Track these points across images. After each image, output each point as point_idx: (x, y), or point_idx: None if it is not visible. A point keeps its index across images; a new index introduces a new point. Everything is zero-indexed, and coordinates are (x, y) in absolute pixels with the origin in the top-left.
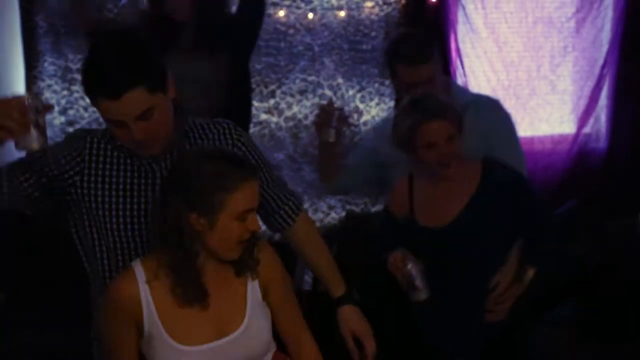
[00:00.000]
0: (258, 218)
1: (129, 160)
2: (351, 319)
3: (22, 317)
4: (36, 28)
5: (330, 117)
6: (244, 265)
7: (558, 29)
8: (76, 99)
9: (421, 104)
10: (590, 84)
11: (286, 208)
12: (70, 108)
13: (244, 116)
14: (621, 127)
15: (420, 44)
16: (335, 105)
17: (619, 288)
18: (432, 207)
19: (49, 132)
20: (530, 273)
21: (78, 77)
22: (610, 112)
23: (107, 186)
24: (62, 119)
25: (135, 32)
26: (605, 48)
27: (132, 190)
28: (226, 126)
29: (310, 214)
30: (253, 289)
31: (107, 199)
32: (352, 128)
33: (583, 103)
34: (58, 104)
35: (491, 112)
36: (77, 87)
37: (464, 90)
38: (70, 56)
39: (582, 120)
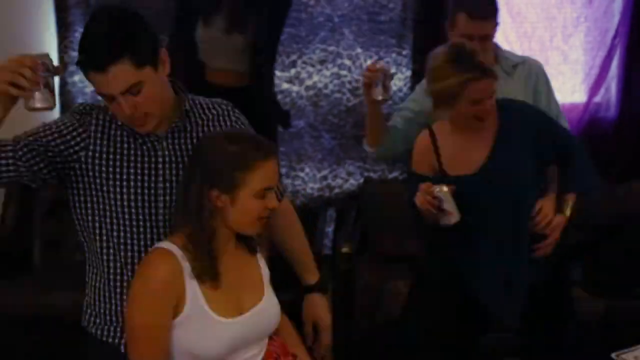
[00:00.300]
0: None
1: (131, 139)
2: (316, 307)
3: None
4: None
5: (377, 75)
6: (257, 242)
7: (571, 0)
8: None
9: (468, 60)
10: (602, 54)
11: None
12: None
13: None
14: (631, 97)
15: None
16: (378, 66)
17: (625, 249)
18: (460, 157)
19: (80, 100)
20: (570, 201)
21: None
22: (620, 82)
23: (110, 163)
24: (91, 88)
25: (128, 8)
26: (616, 19)
27: (136, 169)
28: (225, 107)
29: (329, 180)
30: (264, 265)
31: (111, 175)
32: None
33: (594, 73)
34: None
35: (538, 71)
36: None
37: (510, 51)
38: None
39: (593, 90)
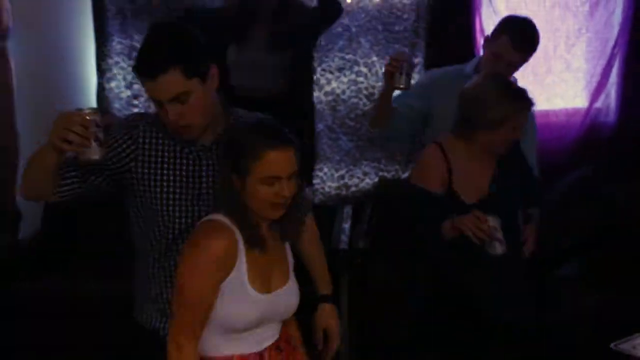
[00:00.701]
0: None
1: (178, 148)
2: (328, 316)
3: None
4: (105, 11)
5: (402, 64)
6: (289, 230)
7: (573, 13)
8: None
9: (519, 91)
10: (602, 62)
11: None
12: (135, 83)
13: (307, 100)
14: (629, 103)
15: (531, 34)
16: (404, 56)
17: (621, 247)
18: (468, 179)
19: (116, 105)
20: (536, 213)
21: None
22: (619, 89)
23: (158, 171)
24: (128, 92)
25: (186, 24)
26: (616, 30)
27: (181, 176)
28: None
29: (346, 179)
30: (290, 253)
31: (158, 183)
32: None
33: (595, 80)
34: (124, 79)
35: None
36: None
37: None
38: (136, 36)
39: (594, 96)
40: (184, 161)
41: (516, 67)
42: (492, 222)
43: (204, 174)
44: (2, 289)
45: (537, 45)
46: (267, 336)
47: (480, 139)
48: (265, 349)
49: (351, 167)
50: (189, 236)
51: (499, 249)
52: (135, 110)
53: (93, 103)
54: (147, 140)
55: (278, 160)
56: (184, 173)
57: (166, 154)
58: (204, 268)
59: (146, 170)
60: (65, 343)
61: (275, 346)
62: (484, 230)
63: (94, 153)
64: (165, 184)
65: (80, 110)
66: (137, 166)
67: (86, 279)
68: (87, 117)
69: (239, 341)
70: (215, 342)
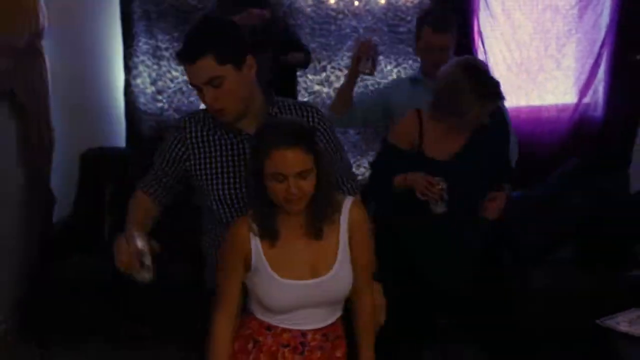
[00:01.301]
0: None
1: (224, 137)
2: (375, 291)
3: None
4: (132, 14)
5: (369, 50)
6: (321, 222)
7: (563, 15)
8: (164, 72)
9: (490, 86)
10: (590, 61)
11: (344, 189)
12: (159, 80)
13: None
14: (616, 99)
15: (445, 16)
16: (372, 43)
17: (609, 231)
18: (439, 144)
19: (142, 99)
20: (508, 187)
21: (166, 54)
22: (606, 86)
23: (208, 160)
24: (153, 88)
25: (228, 18)
26: (603, 31)
27: (228, 162)
28: (310, 109)
29: (354, 168)
30: (343, 239)
31: (212, 171)
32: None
33: (584, 78)
34: (149, 76)
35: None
36: (165, 63)
37: None
38: (160, 37)
39: (583, 92)
40: (230, 150)
41: (447, 50)
42: (442, 184)
43: (249, 157)
44: (40, 264)
45: (454, 24)
46: (312, 320)
47: (448, 121)
48: (310, 331)
49: (358, 157)
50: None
51: (440, 208)
52: (159, 104)
53: (121, 98)
54: (195, 139)
55: (283, 159)
56: (230, 160)
57: (213, 145)
58: (222, 249)
59: (200, 163)
60: (92, 310)
61: (323, 333)
62: (434, 192)
63: (141, 277)
64: (214, 171)
65: (132, 236)
66: (191, 164)
67: (111, 257)
68: (138, 247)
69: (283, 319)
70: (263, 311)
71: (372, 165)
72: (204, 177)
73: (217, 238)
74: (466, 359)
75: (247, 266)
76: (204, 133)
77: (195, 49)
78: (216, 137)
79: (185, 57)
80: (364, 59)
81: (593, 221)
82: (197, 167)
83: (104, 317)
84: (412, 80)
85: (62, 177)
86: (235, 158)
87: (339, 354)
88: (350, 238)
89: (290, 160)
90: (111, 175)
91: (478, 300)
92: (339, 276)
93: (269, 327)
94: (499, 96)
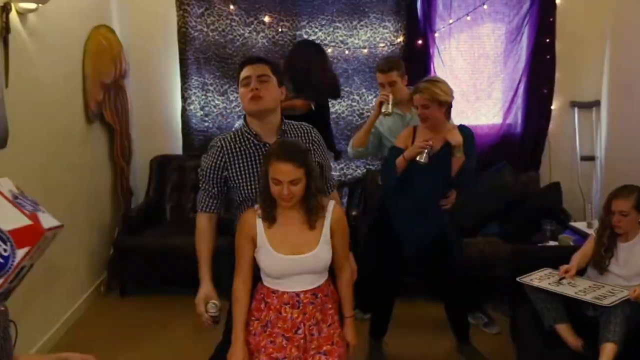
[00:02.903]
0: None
1: (252, 147)
2: (350, 259)
3: None
4: (187, 59)
5: (388, 97)
6: (311, 216)
7: (492, 61)
8: (209, 101)
9: (415, 90)
10: (511, 93)
11: (329, 184)
12: (206, 106)
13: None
14: (529, 120)
15: (388, 60)
16: (389, 94)
17: (525, 213)
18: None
19: (193, 120)
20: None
21: (211, 88)
22: (523, 111)
23: (241, 166)
24: (201, 112)
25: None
26: (520, 72)
27: (256, 164)
28: (307, 128)
29: (345, 170)
30: (325, 231)
31: (243, 172)
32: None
33: (507, 105)
34: (199, 103)
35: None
36: (210, 94)
37: None
38: (206, 76)
39: (506, 115)
40: (255, 155)
41: (395, 84)
42: (429, 147)
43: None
44: (122, 237)
45: (397, 64)
46: (302, 284)
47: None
48: (302, 292)
49: (348, 162)
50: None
51: (424, 159)
52: (205, 124)
53: (179, 119)
54: (228, 151)
55: (279, 169)
56: (255, 162)
57: (243, 153)
58: (237, 232)
59: (235, 169)
60: (159, 275)
61: (312, 292)
62: (423, 146)
63: (212, 327)
64: (243, 174)
65: (208, 302)
66: (229, 170)
67: (172, 235)
68: (203, 315)
69: (282, 283)
70: (268, 280)
71: (384, 158)
72: (237, 179)
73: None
74: (427, 309)
75: (255, 244)
76: (236, 146)
77: (259, 58)
78: (244, 147)
79: (251, 61)
80: (385, 102)
81: (514, 206)
82: (232, 171)
83: (167, 274)
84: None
85: (137, 176)
86: (259, 161)
87: (330, 305)
88: (333, 231)
89: (284, 171)
90: (172, 174)
91: (436, 262)
92: (318, 256)
93: (274, 292)
94: (420, 91)
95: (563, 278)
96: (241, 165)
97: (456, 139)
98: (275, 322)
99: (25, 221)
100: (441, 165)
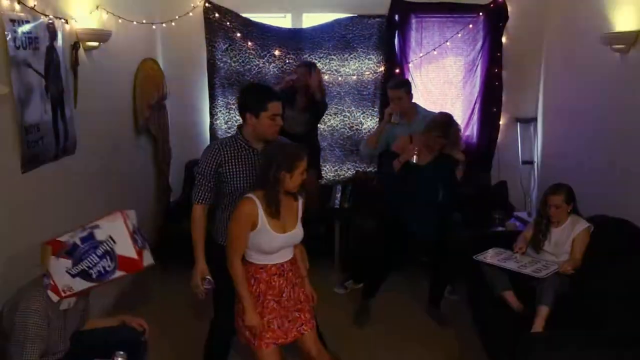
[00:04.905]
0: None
1: (244, 151)
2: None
3: None
4: (214, 84)
5: (396, 110)
6: (297, 196)
7: (454, 86)
8: (232, 117)
9: (438, 130)
10: (469, 112)
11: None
12: (229, 121)
13: (313, 142)
14: (482, 133)
15: (396, 82)
16: (394, 110)
17: (484, 207)
18: (420, 153)
19: (219, 133)
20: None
21: (233, 107)
22: (478, 125)
23: (234, 166)
24: (225, 126)
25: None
26: (476, 95)
27: (245, 167)
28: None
29: (338, 171)
30: (299, 213)
31: (235, 171)
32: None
33: (466, 121)
34: (224, 119)
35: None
36: (233, 112)
37: (426, 110)
38: (230, 97)
39: (465, 129)
40: (246, 159)
41: (401, 99)
42: (417, 149)
43: (256, 165)
44: (164, 225)
45: (400, 83)
46: (285, 256)
47: (425, 138)
48: (284, 262)
49: (341, 165)
50: (237, 203)
51: (415, 159)
52: (228, 135)
53: (207, 132)
54: (224, 152)
55: (300, 171)
56: (245, 165)
57: (236, 155)
58: (238, 221)
59: (228, 166)
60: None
61: (290, 262)
62: (410, 148)
63: (203, 298)
64: (235, 170)
65: (204, 278)
66: (224, 167)
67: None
68: (199, 287)
69: (269, 257)
70: (258, 257)
71: (382, 161)
72: (229, 174)
73: (227, 209)
74: (422, 281)
75: (253, 227)
76: (231, 150)
77: (280, 98)
78: (237, 150)
79: (279, 99)
80: (393, 114)
81: (472, 199)
82: (226, 168)
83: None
84: (394, 123)
85: (175, 176)
86: (248, 163)
87: (302, 271)
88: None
89: (305, 167)
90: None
91: (434, 244)
92: (297, 232)
93: (262, 267)
94: (443, 134)
95: (516, 253)
96: (233, 163)
97: (459, 157)
98: (266, 292)
99: (133, 254)
100: (436, 171)
